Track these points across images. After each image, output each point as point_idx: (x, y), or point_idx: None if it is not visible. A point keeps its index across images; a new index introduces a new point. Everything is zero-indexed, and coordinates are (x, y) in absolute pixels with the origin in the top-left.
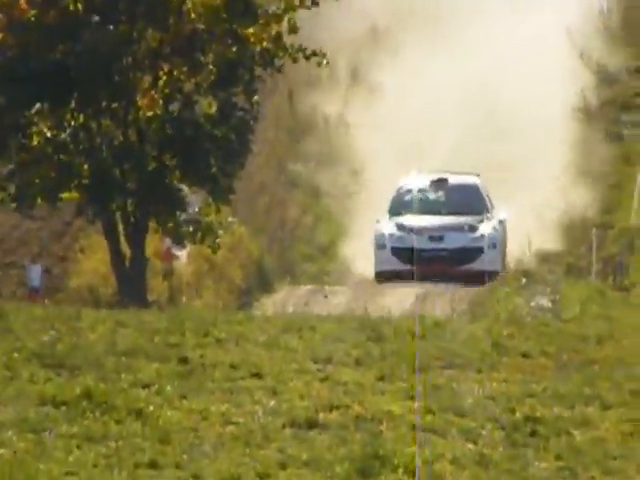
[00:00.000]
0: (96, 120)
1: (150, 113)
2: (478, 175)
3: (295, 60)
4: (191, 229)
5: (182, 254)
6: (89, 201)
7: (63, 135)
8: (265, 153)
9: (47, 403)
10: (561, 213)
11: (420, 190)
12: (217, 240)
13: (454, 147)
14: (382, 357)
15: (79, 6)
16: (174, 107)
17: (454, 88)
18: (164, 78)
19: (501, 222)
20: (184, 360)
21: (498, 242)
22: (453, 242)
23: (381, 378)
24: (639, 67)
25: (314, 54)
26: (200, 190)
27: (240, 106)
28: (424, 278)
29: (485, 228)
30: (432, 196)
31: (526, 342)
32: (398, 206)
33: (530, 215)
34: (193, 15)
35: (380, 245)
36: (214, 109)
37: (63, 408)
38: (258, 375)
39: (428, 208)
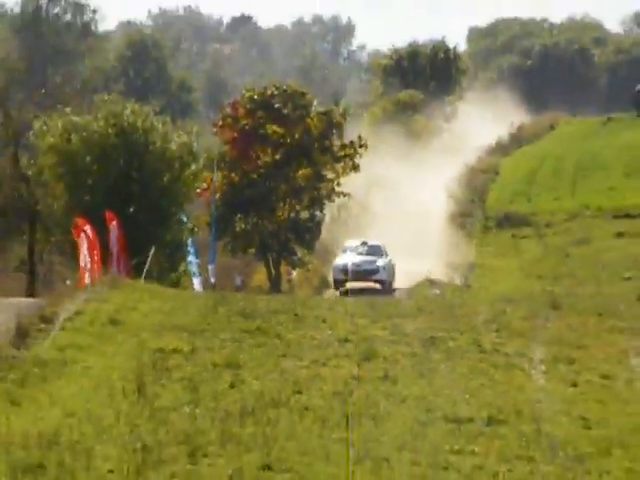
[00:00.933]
0: (262, 220)
1: (283, 218)
2: (381, 242)
3: (339, 197)
4: (298, 262)
5: (294, 273)
6: (258, 252)
7: (248, 226)
8: (326, 231)
9: (242, 332)
10: (443, 261)
11: (354, 246)
12: (309, 266)
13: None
14: (378, 314)
15: (261, 171)
16: (292, 215)
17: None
18: (288, 204)
19: (390, 260)
20: (295, 314)
21: (386, 268)
22: (366, 266)
23: (374, 322)
24: (473, 199)
25: (345, 195)
26: (301, 247)
27: (317, 214)
28: (353, 281)
29: (380, 262)
30: (359, 248)
31: (431, 306)
32: (344, 252)
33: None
34: (300, 180)
35: (335, 267)
36: (307, 215)
37: (248, 334)
38: (324, 321)
39: (357, 252)
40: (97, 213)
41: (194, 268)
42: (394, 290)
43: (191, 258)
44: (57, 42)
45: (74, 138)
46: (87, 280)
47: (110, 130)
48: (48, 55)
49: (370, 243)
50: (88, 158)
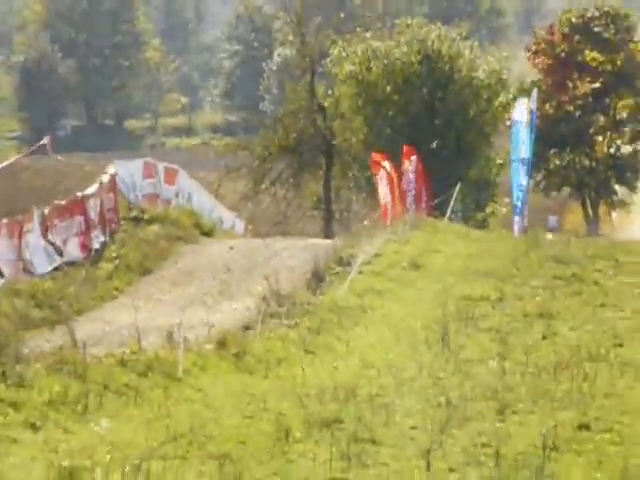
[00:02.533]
0: (578, 156)
1: (601, 153)
2: None
3: None
4: (618, 203)
5: (615, 214)
6: (574, 191)
7: (563, 162)
8: None
9: (555, 278)
10: None
11: None
12: (630, 207)
13: None
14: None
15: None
16: (612, 150)
17: None
18: (607, 138)
19: None
20: (616, 260)
21: None
22: None
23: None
24: None
25: None
26: (622, 186)
27: None
28: None
29: None
30: None
31: None
32: None
33: None
34: (621, 111)
35: None
36: (629, 150)
37: (562, 281)
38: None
39: None
40: (397, 148)
41: (518, 206)
42: None
43: (516, 192)
44: None
45: (374, 66)
46: (387, 219)
47: (413, 57)
48: None
49: None
50: (389, 88)
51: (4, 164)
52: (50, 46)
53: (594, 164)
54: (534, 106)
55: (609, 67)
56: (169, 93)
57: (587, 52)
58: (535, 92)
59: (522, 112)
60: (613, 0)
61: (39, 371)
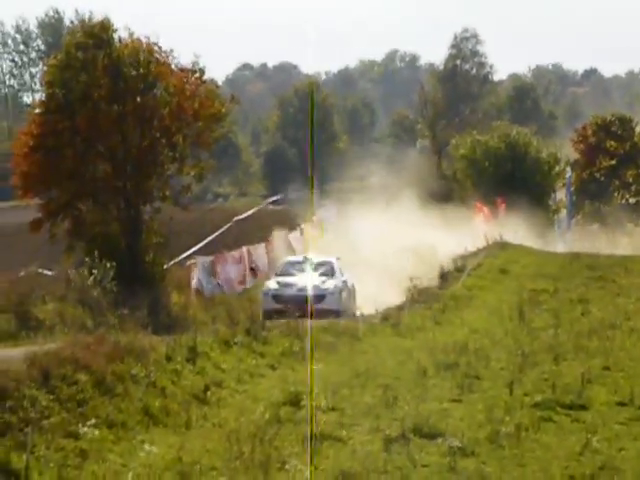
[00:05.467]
0: (602, 204)
1: (617, 202)
2: (337, 257)
3: None
4: (627, 232)
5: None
6: (600, 225)
7: (593, 208)
8: None
9: (589, 278)
10: None
11: (294, 262)
12: (634, 234)
13: None
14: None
15: (602, 172)
16: (623, 201)
17: None
18: (620, 194)
19: (344, 281)
20: (626, 267)
21: (337, 292)
22: (310, 291)
23: None
24: None
25: None
26: (630, 222)
27: None
28: (291, 315)
29: (329, 284)
30: (302, 265)
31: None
32: (279, 273)
33: None
34: (628, 177)
35: (265, 293)
36: (634, 201)
37: (593, 280)
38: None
39: (298, 271)
40: (490, 199)
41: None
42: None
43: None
44: (467, 87)
45: (478, 150)
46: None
47: (502, 145)
48: (461, 96)
49: (317, 259)
50: (487, 163)
51: (257, 208)
52: (282, 141)
53: (613, 209)
54: (569, 175)
55: (621, 151)
56: (351, 167)
57: (607, 141)
58: (569, 168)
59: (569, 178)
60: (623, 109)
61: (276, 335)
